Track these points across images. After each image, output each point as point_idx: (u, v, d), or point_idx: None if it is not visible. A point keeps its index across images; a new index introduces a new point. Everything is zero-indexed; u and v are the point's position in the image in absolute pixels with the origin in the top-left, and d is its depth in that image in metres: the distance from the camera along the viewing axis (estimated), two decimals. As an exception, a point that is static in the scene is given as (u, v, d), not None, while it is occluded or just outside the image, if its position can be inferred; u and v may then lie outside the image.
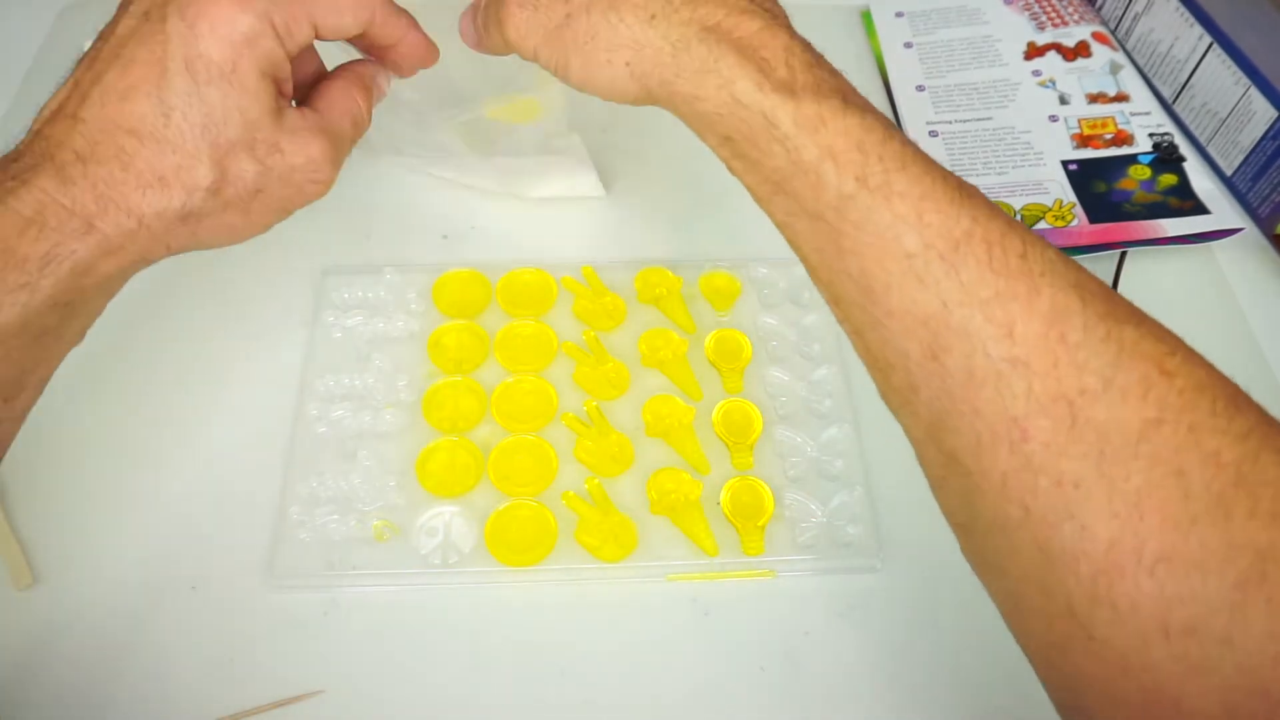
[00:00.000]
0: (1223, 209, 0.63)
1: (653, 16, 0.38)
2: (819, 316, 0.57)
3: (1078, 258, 0.60)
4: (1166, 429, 0.30)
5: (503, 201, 0.63)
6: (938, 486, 0.37)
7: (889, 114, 0.71)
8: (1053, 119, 0.68)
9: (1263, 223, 0.64)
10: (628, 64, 0.38)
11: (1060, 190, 0.64)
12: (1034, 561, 0.31)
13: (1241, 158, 0.65)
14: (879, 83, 0.73)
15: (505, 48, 0.42)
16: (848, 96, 0.36)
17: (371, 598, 0.48)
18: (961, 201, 0.34)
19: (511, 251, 0.60)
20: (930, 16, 0.76)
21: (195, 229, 0.39)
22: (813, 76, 0.37)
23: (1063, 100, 0.69)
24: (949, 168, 0.64)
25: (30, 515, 0.50)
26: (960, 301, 0.32)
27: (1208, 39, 0.66)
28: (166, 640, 0.46)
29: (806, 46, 0.38)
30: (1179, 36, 0.69)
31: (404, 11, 0.44)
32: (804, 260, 0.38)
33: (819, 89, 0.36)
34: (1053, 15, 0.74)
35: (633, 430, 0.53)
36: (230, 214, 0.39)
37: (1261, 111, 0.63)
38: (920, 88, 0.72)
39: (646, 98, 0.39)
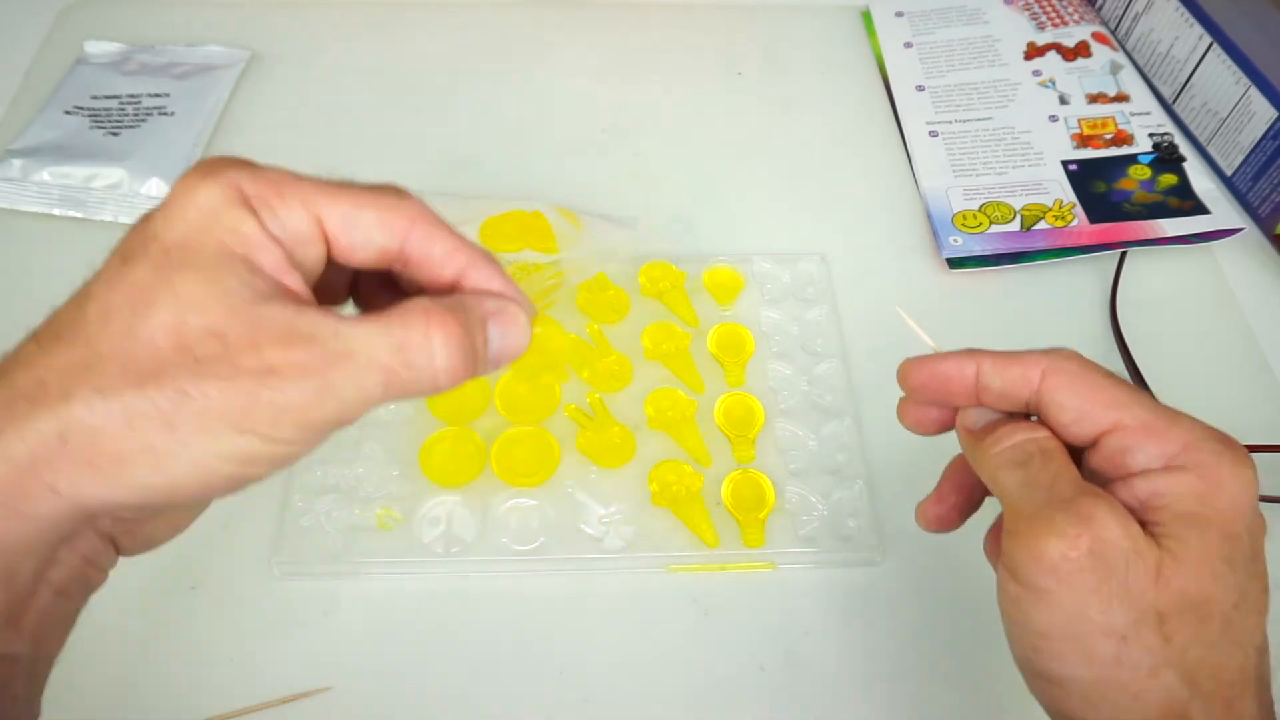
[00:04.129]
0: (1223, 209, 0.63)
1: None
2: (822, 312, 0.58)
3: (1078, 258, 0.61)
4: None
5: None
6: None
7: (889, 114, 0.71)
8: (1053, 119, 0.69)
9: (1263, 223, 0.64)
10: None
11: (1060, 190, 0.64)
12: None
13: (1241, 158, 0.65)
14: (879, 83, 0.73)
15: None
16: None
17: (372, 585, 0.48)
18: None
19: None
20: (930, 16, 0.76)
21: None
22: None
23: (1063, 100, 0.70)
24: (949, 168, 0.65)
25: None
26: None
27: (1208, 39, 0.66)
28: (167, 639, 0.46)
29: None
30: (1179, 36, 0.69)
31: (447, 227, 0.33)
32: None
33: None
34: (1053, 15, 0.75)
35: (635, 423, 0.53)
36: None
37: (1261, 111, 0.63)
38: (920, 88, 0.72)
39: None
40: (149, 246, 0.29)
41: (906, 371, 0.38)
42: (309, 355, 0.28)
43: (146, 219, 0.29)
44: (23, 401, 0.27)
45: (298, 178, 0.31)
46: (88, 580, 0.32)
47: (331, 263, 0.32)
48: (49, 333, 0.29)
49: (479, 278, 0.33)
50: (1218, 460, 0.33)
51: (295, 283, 0.30)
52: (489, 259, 0.33)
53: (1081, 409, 0.35)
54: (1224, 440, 0.34)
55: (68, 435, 0.27)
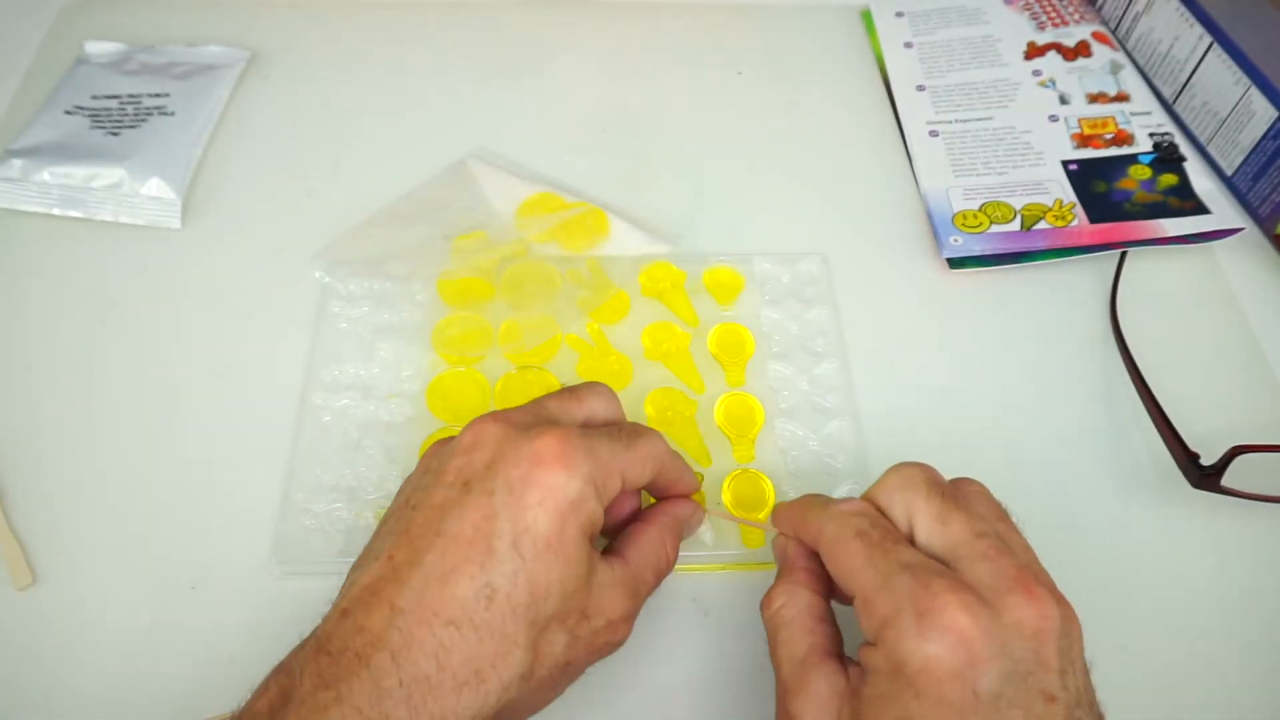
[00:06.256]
0: (1223, 209, 0.63)
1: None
2: (822, 311, 0.58)
3: (1078, 257, 0.61)
4: None
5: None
6: None
7: (889, 114, 0.71)
8: (1053, 119, 0.69)
9: (1263, 223, 0.64)
10: None
11: (1060, 190, 0.64)
12: None
13: (1242, 157, 0.65)
14: (879, 83, 0.73)
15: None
16: None
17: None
18: None
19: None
20: (930, 16, 0.76)
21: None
22: None
23: (1063, 100, 0.70)
24: (949, 167, 0.66)
25: (30, 515, 0.50)
26: None
27: (1208, 39, 0.66)
28: (167, 640, 0.46)
29: None
30: (1179, 36, 0.69)
31: (678, 455, 0.43)
32: None
33: None
34: (1053, 15, 0.75)
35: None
36: (538, 695, 0.37)
37: (1262, 111, 0.63)
38: (920, 87, 0.72)
39: None
40: (536, 540, 0.35)
41: (772, 517, 0.44)
42: (627, 607, 0.39)
43: (521, 505, 0.36)
44: (477, 686, 0.34)
45: (613, 450, 0.39)
46: None
47: None
48: (465, 619, 0.34)
49: (680, 487, 0.44)
50: (900, 638, 0.33)
51: (596, 537, 0.39)
52: (687, 471, 0.44)
53: (835, 578, 0.38)
54: (918, 610, 0.33)
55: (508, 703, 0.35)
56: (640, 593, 0.40)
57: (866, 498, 0.40)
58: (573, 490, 0.36)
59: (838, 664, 0.37)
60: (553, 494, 0.36)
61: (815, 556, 0.41)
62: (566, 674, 0.38)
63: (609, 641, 0.39)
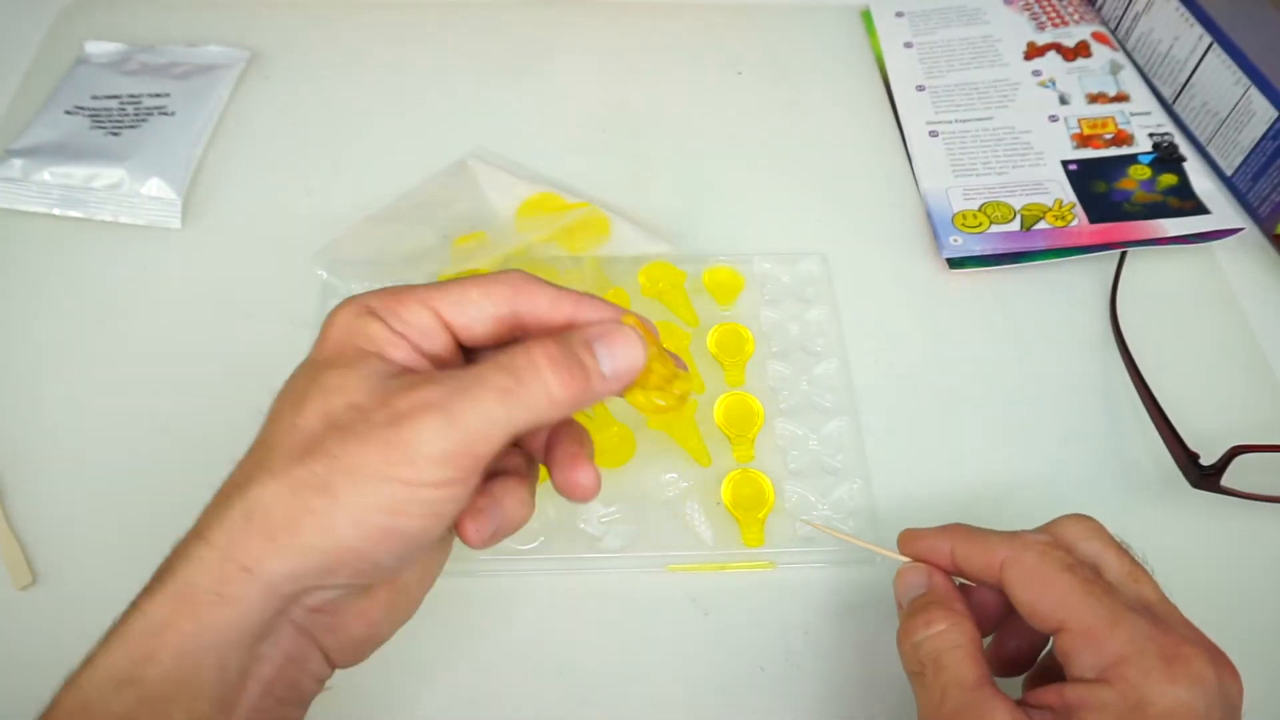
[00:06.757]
0: (1223, 209, 0.63)
1: None
2: (821, 311, 0.58)
3: (1078, 258, 0.61)
4: None
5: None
6: None
7: (889, 114, 0.71)
8: (1053, 119, 0.69)
9: (1263, 223, 0.64)
10: None
11: (1060, 190, 0.64)
12: None
13: (1241, 158, 0.65)
14: (879, 83, 0.73)
15: None
16: None
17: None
18: None
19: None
20: (930, 16, 0.76)
21: (315, 530, 0.33)
22: None
23: (1063, 100, 0.70)
24: (949, 167, 0.66)
25: (30, 515, 0.50)
26: None
27: (1208, 39, 0.66)
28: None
29: None
30: (1179, 36, 0.69)
31: (559, 287, 0.37)
32: None
33: None
34: (1053, 15, 0.75)
35: (634, 422, 0.53)
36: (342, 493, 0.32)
37: (1261, 111, 0.63)
38: (920, 88, 0.72)
39: None
40: (306, 364, 0.36)
41: (900, 545, 0.42)
42: (430, 394, 0.33)
43: (313, 346, 0.37)
44: (222, 499, 0.34)
45: (415, 286, 0.36)
46: (297, 684, 0.35)
47: (469, 350, 0.37)
48: (268, 421, 0.35)
49: (586, 312, 0.37)
50: (1145, 679, 0.33)
51: (424, 367, 0.36)
52: (593, 297, 0.37)
53: (1033, 606, 0.37)
54: (1165, 654, 0.34)
55: (251, 514, 0.32)
56: (466, 389, 0.33)
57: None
58: (344, 313, 0.36)
59: (1010, 699, 0.36)
60: (327, 325, 0.36)
61: (961, 592, 0.41)
62: (354, 481, 0.32)
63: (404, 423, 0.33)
